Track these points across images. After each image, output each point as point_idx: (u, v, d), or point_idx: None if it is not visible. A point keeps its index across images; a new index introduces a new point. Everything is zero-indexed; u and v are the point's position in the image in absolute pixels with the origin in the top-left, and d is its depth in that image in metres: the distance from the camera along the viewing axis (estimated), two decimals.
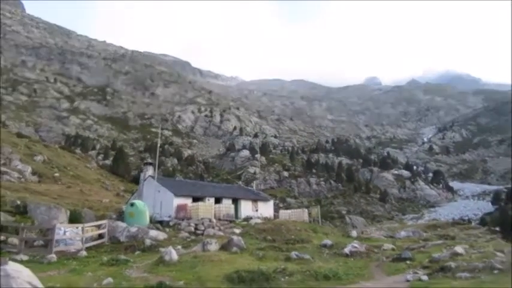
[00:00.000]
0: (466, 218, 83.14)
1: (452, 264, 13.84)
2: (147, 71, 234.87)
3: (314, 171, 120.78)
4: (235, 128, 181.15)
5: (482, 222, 64.29)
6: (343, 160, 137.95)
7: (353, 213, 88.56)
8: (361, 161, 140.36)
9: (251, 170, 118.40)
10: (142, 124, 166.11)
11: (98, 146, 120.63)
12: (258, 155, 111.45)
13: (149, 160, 42.28)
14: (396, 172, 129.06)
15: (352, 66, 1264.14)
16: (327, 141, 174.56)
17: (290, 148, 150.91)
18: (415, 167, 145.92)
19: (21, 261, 14.34)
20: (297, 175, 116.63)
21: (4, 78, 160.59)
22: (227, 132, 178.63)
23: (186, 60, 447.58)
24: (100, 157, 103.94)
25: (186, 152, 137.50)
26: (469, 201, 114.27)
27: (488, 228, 40.33)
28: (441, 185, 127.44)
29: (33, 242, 18.71)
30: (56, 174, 51.29)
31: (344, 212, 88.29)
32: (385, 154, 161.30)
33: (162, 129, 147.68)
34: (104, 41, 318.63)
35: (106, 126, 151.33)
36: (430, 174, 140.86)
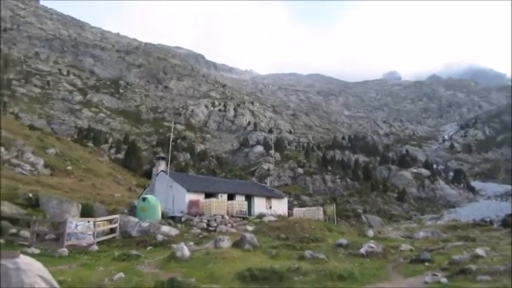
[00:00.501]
0: (488, 219, 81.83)
1: (473, 266, 13.63)
2: (160, 64, 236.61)
3: (330, 168, 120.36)
4: (249, 123, 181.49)
5: (505, 223, 63.16)
6: (360, 157, 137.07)
7: (369, 212, 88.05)
8: (378, 158, 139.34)
9: (265, 166, 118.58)
10: (155, 118, 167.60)
11: (110, 140, 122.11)
12: (272, 151, 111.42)
13: (161, 155, 42.61)
14: (415, 170, 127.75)
15: (371, 61, 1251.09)
16: (343, 138, 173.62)
17: (305, 144, 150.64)
18: (435, 166, 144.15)
19: (32, 255, 14.60)
20: (312, 172, 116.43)
21: (17, 70, 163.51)
22: (241, 127, 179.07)
23: (200, 53, 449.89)
24: (112, 151, 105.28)
25: (199, 147, 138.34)
26: (491, 202, 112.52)
27: (511, 230, 39.62)
28: (462, 185, 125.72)
29: (44, 235, 19.02)
30: (68, 168, 51.98)
31: (360, 211, 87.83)
32: (404, 152, 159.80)
33: (174, 123, 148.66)
34: (118, 33, 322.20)
35: (118, 120, 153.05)
36: (451, 173, 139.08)
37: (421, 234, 33.22)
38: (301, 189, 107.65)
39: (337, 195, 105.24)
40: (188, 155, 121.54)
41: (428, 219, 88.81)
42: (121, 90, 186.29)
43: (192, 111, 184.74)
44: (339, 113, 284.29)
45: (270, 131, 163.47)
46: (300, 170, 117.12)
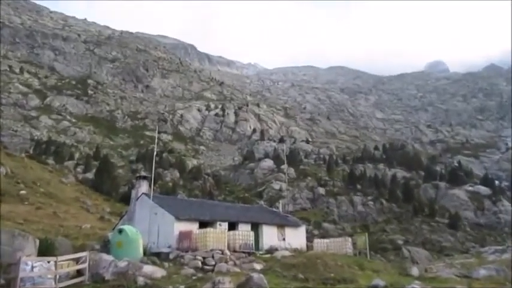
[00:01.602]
0: None
1: None
2: (140, 58, 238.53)
3: (359, 187, 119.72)
4: (254, 131, 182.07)
5: None
6: (399, 172, 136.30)
7: (413, 243, 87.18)
8: (422, 173, 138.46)
9: (276, 185, 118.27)
10: (133, 126, 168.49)
11: (76, 155, 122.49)
12: (284, 166, 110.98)
13: (143, 173, 42.64)
14: (471, 188, 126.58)
15: (409, 48, 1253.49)
16: (376, 148, 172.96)
17: (327, 157, 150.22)
18: (496, 182, 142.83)
19: None
20: (336, 192, 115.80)
21: None
22: (244, 136, 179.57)
23: (191, 43, 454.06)
24: (79, 169, 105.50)
25: (191, 163, 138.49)
26: None
27: None
28: None
29: None
30: (22, 192, 51.92)
31: (400, 242, 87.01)
32: (456, 164, 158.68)
33: (159, 132, 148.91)
34: (84, 20, 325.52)
35: (87, 129, 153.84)
36: None
37: (482, 272, 32.76)
38: (323, 214, 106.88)
39: (370, 222, 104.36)
40: (177, 173, 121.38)
41: (491, 253, 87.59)
42: (90, 92, 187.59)
43: (181, 116, 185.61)
44: (370, 115, 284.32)
45: (281, 141, 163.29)
46: (321, 190, 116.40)
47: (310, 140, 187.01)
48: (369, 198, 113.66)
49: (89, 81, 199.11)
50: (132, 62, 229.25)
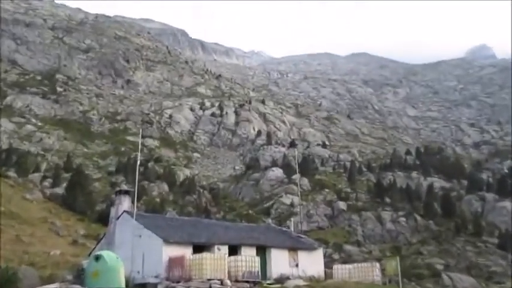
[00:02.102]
0: None
1: None
2: (119, 47, 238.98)
3: (388, 200, 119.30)
4: (259, 133, 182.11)
5: None
6: (436, 182, 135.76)
7: (455, 268, 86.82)
8: (465, 183, 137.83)
9: (286, 200, 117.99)
10: (112, 130, 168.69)
11: (43, 166, 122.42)
12: (296, 176, 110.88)
13: (124, 187, 42.59)
14: None
15: (447, 31, 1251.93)
16: (407, 152, 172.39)
17: (348, 164, 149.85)
18: None
19: None
20: (360, 207, 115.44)
21: None
22: (246, 139, 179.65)
23: (181, 28, 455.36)
24: (47, 183, 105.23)
25: (182, 173, 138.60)
26: None
27: None
28: None
29: None
30: None
31: (440, 267, 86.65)
32: (506, 171, 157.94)
33: (143, 137, 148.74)
34: (52, 1, 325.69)
35: (56, 134, 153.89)
36: None
37: None
38: (345, 234, 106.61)
39: (402, 243, 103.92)
40: (166, 186, 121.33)
41: None
42: (59, 89, 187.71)
43: (170, 117, 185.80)
44: (400, 112, 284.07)
45: (292, 145, 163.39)
46: (342, 205, 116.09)
47: (327, 143, 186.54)
48: (400, 213, 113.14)
49: (58, 76, 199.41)
50: (110, 52, 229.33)
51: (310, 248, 41.69)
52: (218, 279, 29.68)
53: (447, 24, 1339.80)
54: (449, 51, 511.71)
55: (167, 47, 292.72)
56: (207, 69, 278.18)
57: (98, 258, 27.44)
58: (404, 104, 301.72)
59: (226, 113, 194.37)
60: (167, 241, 32.36)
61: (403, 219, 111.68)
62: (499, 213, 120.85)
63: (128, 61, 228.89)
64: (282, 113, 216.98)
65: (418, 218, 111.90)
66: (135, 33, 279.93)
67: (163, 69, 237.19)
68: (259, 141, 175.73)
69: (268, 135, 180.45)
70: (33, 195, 78.24)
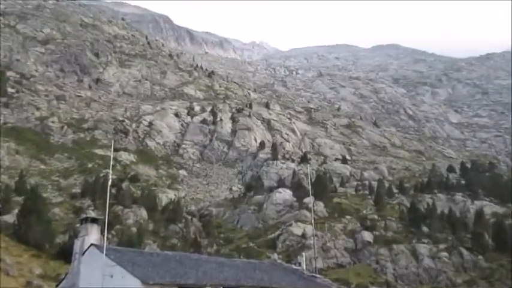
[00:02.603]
0: None
1: None
2: (86, 37, 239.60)
3: (426, 230, 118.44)
4: (261, 145, 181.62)
5: None
6: (487, 206, 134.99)
7: None
8: None
9: (297, 229, 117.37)
10: (77, 141, 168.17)
11: None
12: (310, 199, 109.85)
13: (91, 213, 41.53)
14: None
15: (498, 18, 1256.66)
16: (450, 169, 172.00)
17: (375, 183, 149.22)
18: None
19: None
20: (390, 239, 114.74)
21: None
22: (246, 153, 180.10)
23: (163, 14, 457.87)
24: None
25: (166, 196, 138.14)
26: None
27: None
28: None
29: None
30: None
31: None
32: None
33: (116, 150, 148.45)
34: None
35: (6, 147, 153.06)
36: None
37: None
38: (371, 273, 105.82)
39: (444, 284, 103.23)
40: (144, 212, 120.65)
41: None
42: (10, 90, 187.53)
43: (151, 125, 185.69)
44: (440, 118, 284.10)
45: (304, 160, 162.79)
46: (367, 236, 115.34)
47: (348, 158, 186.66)
48: (441, 247, 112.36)
49: (9, 73, 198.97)
50: (75, 44, 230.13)
51: None
52: None
53: (497, 9, 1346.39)
54: (500, 42, 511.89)
55: (146, 37, 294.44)
56: (197, 65, 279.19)
57: None
58: (446, 108, 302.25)
59: (221, 119, 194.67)
60: (146, 282, 31.45)
61: (445, 253, 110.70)
62: None
63: (97, 55, 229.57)
64: (290, 119, 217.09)
65: (464, 252, 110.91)
66: (106, 20, 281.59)
67: (142, 65, 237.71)
68: (262, 155, 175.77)
69: (274, 147, 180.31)
70: None
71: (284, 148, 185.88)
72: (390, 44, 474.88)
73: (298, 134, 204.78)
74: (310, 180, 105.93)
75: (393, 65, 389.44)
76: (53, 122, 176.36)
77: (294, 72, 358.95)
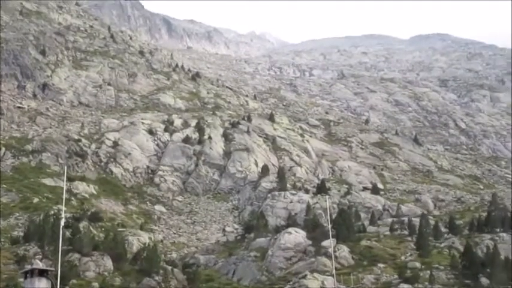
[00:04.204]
0: None
1: None
2: (29, 29, 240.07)
3: (485, 281, 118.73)
4: (265, 171, 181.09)
5: None
6: None
7: None
8: None
9: (313, 282, 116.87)
10: (18, 168, 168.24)
11: None
12: (329, 242, 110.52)
13: (39, 264, 42.35)
14: None
15: None
16: None
17: (416, 220, 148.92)
18: None
19: None
20: None
21: None
22: (244, 181, 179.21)
23: None
24: None
25: (137, 240, 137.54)
26: None
27: None
28: None
29: None
30: None
31: None
32: None
33: (70, 179, 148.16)
34: None
35: None
36: None
37: None
38: None
39: None
40: (108, 262, 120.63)
41: None
42: None
43: (116, 145, 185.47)
44: (502, 132, 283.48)
45: (322, 190, 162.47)
46: None
47: (380, 186, 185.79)
48: None
49: None
50: (13, 38, 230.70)
51: None
52: None
53: None
54: None
55: (109, 28, 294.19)
56: (177, 65, 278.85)
57: None
58: (510, 119, 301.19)
59: (210, 137, 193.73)
60: None
61: None
62: None
63: (43, 52, 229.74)
64: (303, 135, 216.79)
65: None
66: (55, 6, 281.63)
67: (103, 66, 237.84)
68: (265, 185, 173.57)
69: (281, 173, 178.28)
70: None
71: (295, 174, 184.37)
72: (435, 33, 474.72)
73: (313, 155, 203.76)
74: (330, 216, 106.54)
75: (439, 61, 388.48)
76: None
77: (307, 73, 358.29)
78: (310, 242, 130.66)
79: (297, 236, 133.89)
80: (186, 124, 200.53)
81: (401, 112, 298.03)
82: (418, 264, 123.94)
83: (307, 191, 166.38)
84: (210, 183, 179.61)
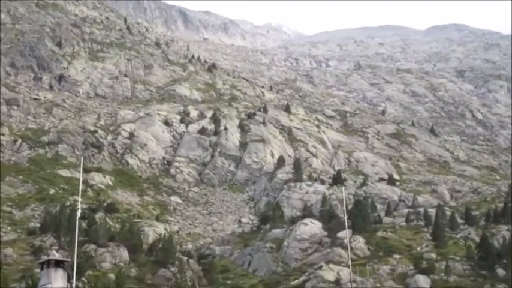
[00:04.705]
0: None
1: None
2: (45, 21, 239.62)
3: (501, 272, 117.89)
4: (281, 162, 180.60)
5: None
6: None
7: None
8: None
9: (328, 273, 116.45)
10: (34, 159, 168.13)
11: None
12: (345, 233, 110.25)
13: (55, 254, 42.17)
14: None
15: None
16: None
17: (432, 211, 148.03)
18: None
19: None
20: (454, 285, 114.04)
21: None
22: (260, 172, 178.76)
23: None
24: None
25: (153, 231, 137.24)
26: None
27: None
28: None
29: None
30: None
31: None
32: None
33: (86, 170, 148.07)
34: None
35: None
36: None
37: None
38: None
39: None
40: (124, 253, 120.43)
41: None
42: None
43: (132, 136, 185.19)
44: None
45: (338, 181, 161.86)
46: (423, 281, 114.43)
47: (396, 177, 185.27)
48: None
49: None
50: (30, 30, 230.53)
51: None
52: None
53: None
54: None
55: (125, 20, 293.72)
56: (193, 56, 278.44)
57: None
58: None
59: (226, 128, 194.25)
60: None
61: None
62: None
63: (59, 44, 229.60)
64: (319, 127, 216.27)
65: None
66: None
67: (119, 57, 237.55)
68: (281, 176, 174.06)
69: (297, 164, 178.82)
70: None
71: (310, 165, 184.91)
72: (452, 23, 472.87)
73: (329, 146, 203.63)
74: (346, 207, 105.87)
75: (456, 52, 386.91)
76: (2, 134, 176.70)
77: (323, 64, 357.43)
78: (325, 233, 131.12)
79: (312, 227, 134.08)
80: (202, 115, 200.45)
81: (417, 103, 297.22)
82: (434, 255, 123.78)
83: (323, 182, 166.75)
84: (226, 175, 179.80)
